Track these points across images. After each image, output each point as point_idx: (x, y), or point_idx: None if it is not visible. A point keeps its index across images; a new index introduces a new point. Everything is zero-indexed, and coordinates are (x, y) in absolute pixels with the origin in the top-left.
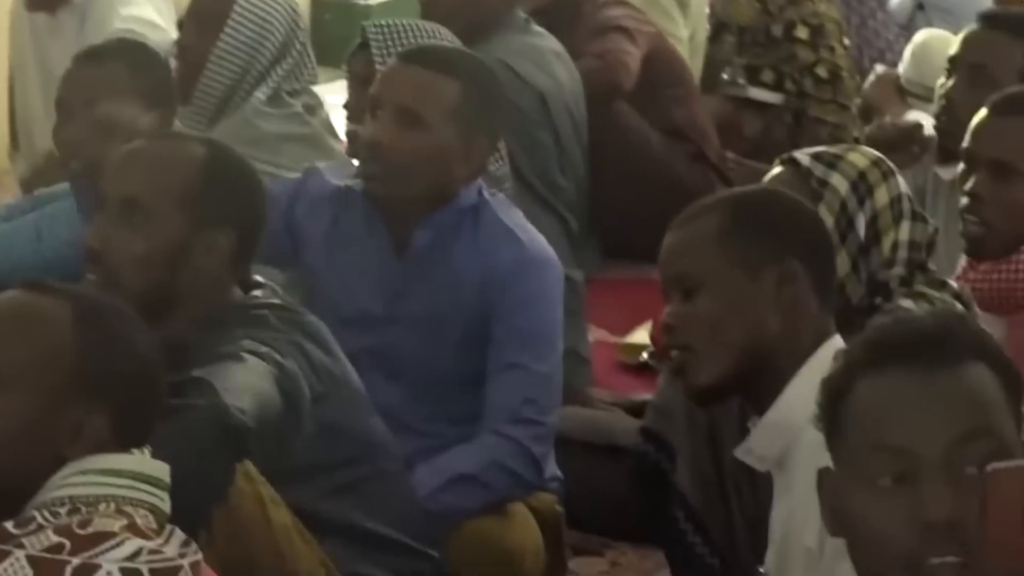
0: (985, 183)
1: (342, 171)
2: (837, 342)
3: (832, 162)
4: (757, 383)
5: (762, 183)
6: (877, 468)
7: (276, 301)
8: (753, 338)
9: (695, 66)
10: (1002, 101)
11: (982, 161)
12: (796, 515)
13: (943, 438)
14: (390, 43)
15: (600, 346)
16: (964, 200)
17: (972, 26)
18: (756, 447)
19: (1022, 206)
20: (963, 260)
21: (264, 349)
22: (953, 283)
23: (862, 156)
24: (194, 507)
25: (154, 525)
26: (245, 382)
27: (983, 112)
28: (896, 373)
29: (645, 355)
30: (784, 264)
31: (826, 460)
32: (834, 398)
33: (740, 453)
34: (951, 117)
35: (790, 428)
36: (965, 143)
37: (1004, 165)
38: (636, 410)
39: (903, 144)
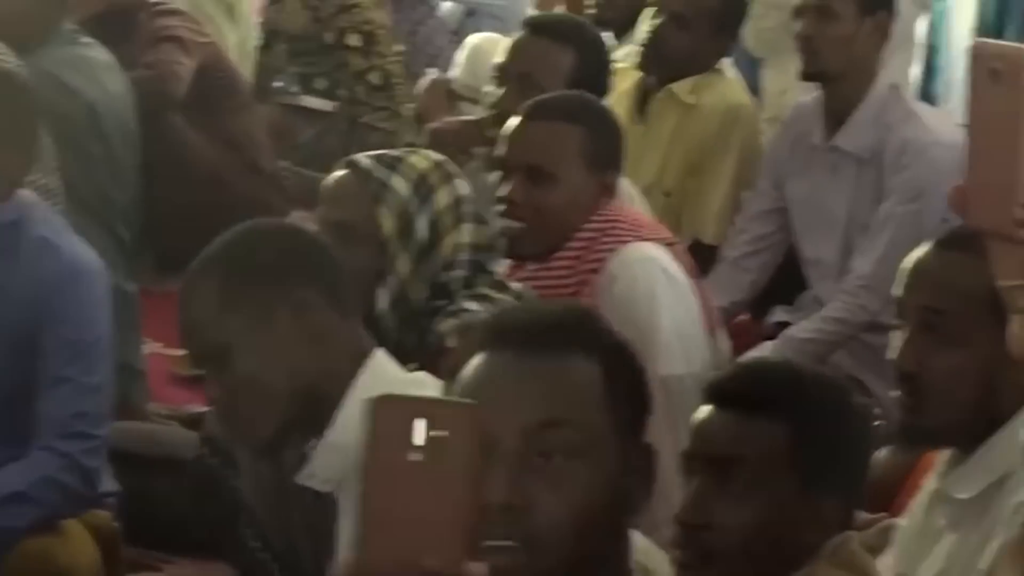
0: (519, 188)
1: None
2: (380, 357)
3: (393, 164)
4: (309, 413)
5: (321, 190)
6: None
7: None
8: (294, 381)
9: (244, 74)
10: (531, 107)
11: (515, 167)
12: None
13: (517, 423)
14: None
15: (155, 359)
16: (500, 206)
17: (518, 33)
18: (318, 471)
19: (557, 208)
20: (507, 262)
21: None
22: (515, 285)
23: (423, 158)
24: None
25: None
26: None
27: (513, 119)
28: (490, 357)
29: None
30: (293, 297)
31: None
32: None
33: (303, 479)
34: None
35: (347, 450)
36: (498, 151)
37: (536, 169)
38: (193, 422)
39: (468, 138)
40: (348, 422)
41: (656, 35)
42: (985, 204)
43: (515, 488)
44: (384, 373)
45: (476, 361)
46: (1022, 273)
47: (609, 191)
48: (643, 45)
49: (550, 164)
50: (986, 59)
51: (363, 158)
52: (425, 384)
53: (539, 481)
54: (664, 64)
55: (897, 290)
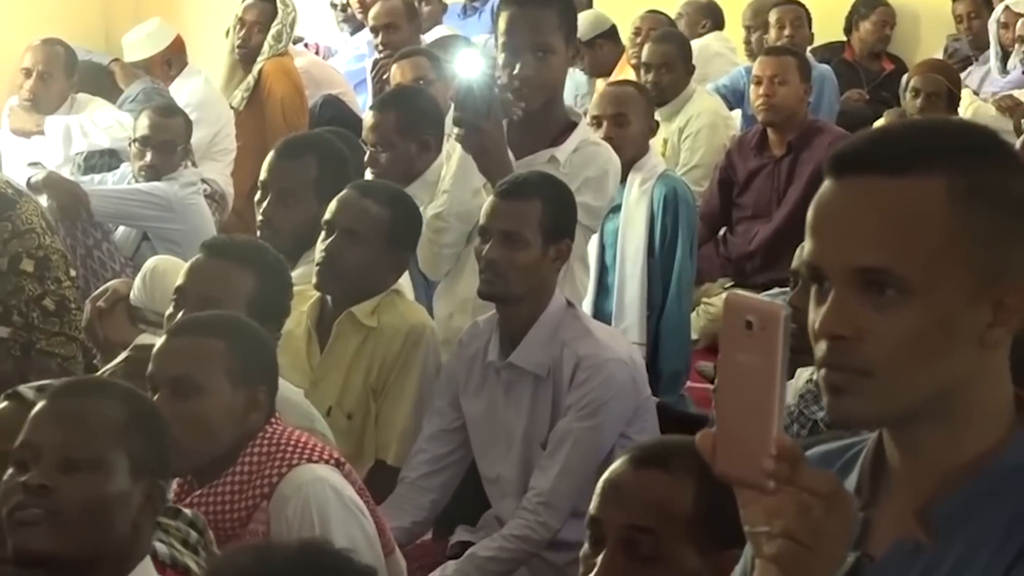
0: (165, 404)
1: None
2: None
3: None
4: None
5: None
6: None
7: None
8: None
9: None
10: (175, 327)
11: (161, 383)
12: None
13: None
14: None
15: None
16: None
17: (197, 256)
18: None
19: (202, 421)
20: (176, 482)
21: None
22: (187, 511)
23: None
24: None
25: None
26: None
27: None
28: None
29: None
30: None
31: None
32: None
33: None
34: None
35: None
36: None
37: (180, 382)
38: None
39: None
40: None
41: (329, 252)
42: (734, 453)
43: None
44: None
45: None
46: (766, 520)
47: (258, 406)
48: (318, 264)
49: (194, 375)
50: (740, 311)
51: (27, 389)
52: None
53: None
54: (341, 282)
55: (593, 508)
